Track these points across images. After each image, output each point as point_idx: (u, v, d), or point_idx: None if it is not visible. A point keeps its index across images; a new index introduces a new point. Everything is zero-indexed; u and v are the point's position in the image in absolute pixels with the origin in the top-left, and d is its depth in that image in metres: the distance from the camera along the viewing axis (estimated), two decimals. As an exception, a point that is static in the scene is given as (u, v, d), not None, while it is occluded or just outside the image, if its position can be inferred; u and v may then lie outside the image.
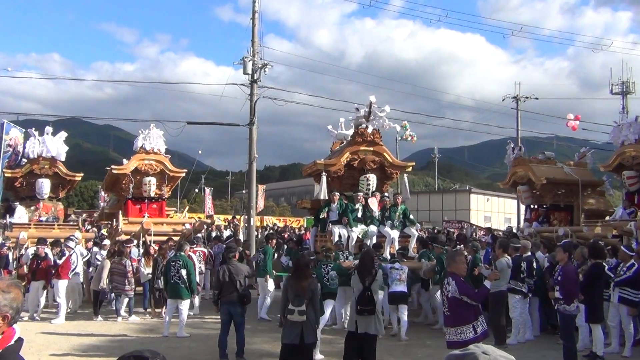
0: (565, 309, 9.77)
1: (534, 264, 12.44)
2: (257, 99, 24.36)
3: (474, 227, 37.75)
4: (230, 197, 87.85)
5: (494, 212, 70.85)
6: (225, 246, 13.90)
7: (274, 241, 16.94)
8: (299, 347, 8.52)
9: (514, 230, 20.34)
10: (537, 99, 41.26)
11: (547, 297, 11.64)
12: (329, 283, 12.45)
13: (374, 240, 14.86)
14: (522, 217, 28.55)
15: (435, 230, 31.51)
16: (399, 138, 41.81)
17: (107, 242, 16.92)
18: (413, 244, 15.39)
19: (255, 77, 24.36)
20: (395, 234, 15.23)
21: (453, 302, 7.52)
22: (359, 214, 15.35)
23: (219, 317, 10.63)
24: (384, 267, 12.62)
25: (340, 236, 14.75)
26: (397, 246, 14.92)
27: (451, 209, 67.38)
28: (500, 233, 24.16)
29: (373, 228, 15.14)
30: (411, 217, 16.08)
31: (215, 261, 17.82)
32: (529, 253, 12.57)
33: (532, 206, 19.66)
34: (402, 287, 12.73)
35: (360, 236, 14.90)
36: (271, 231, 26.41)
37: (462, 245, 13.95)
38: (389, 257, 14.30)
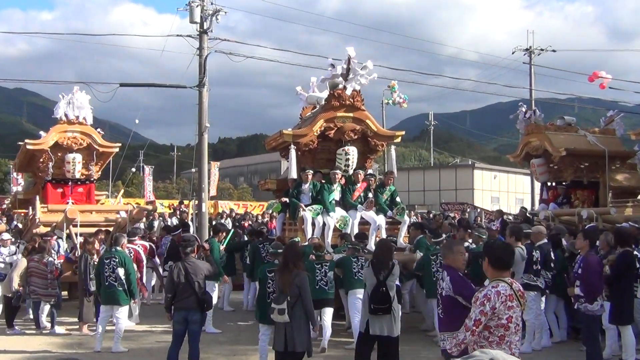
0: (586, 308, 9.93)
1: (551, 254, 12.52)
2: (208, 53, 24.17)
3: (479, 210, 38.11)
4: (177, 178, 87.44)
5: (503, 191, 71.49)
6: (182, 239, 13.73)
7: (223, 234, 16.95)
8: (286, 355, 8.71)
9: (528, 214, 20.48)
10: (554, 51, 41.54)
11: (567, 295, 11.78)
12: (327, 287, 12.45)
13: (356, 229, 14.89)
14: (537, 197, 28.87)
15: (431, 215, 31.73)
16: (386, 102, 41.93)
17: (6, 236, 16.70)
18: (404, 232, 15.48)
19: (205, 27, 24.14)
20: (381, 220, 15.29)
21: (448, 301, 7.57)
22: (337, 197, 15.38)
23: (163, 326, 10.65)
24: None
25: (314, 225, 14.78)
26: (384, 234, 14.99)
27: (451, 189, 67.89)
28: (511, 217, 24.38)
29: (354, 213, 15.19)
30: (398, 199, 16.14)
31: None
32: (545, 240, 12.70)
33: (549, 183, 19.84)
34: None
35: (338, 226, 14.93)
36: (221, 220, 26.33)
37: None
38: (374, 249, 14.36)
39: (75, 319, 14.76)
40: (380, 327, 9.40)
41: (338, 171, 15.57)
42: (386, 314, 9.41)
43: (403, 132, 17.43)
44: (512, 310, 5.72)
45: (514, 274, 11.52)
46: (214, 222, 23.84)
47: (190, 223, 24.26)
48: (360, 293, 12.26)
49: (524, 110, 20.30)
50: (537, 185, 24.29)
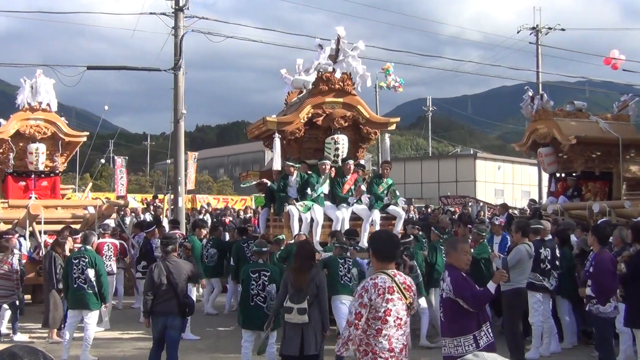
0: (598, 310, 9.95)
1: (557, 252, 12.53)
2: (185, 33, 24.09)
3: (481, 204, 38.18)
4: (150, 170, 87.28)
5: (508, 183, 71.65)
6: (164, 236, 13.65)
7: (204, 231, 16.94)
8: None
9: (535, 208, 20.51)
10: (563, 30, 41.64)
11: (578, 296, 11.82)
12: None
13: (347, 225, 14.89)
14: (545, 190, 28.96)
15: (429, 210, 31.78)
16: (380, 86, 41.91)
17: None
18: (399, 227, 15.50)
19: (181, 4, 24.07)
20: (376, 215, 15.30)
21: (449, 304, 7.56)
22: (326, 190, 15.36)
23: (136, 332, 10.62)
24: (360, 263, 12.71)
25: (301, 220, 14.77)
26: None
27: (451, 180, 67.99)
28: (516, 212, 24.44)
29: (346, 208, 15.19)
30: (397, 193, 16.16)
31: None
32: (549, 236, 12.73)
33: (557, 174, 19.89)
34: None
35: (302, 210, 14.80)
36: (199, 216, 26.30)
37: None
38: (366, 247, 14.36)
39: (39, 325, 14.70)
40: None
41: (327, 161, 15.51)
42: None
43: (398, 119, 17.44)
44: (391, 303, 6.04)
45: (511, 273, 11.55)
46: (191, 218, 23.81)
47: (165, 219, 24.19)
48: (345, 299, 12.26)
49: (530, 94, 20.31)
50: (545, 176, 24.38)
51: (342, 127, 15.85)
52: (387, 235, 7.21)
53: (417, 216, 27.97)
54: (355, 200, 15.32)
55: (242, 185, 18.78)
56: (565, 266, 12.63)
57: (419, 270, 12.59)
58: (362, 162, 16.80)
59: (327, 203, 15.23)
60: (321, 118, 15.74)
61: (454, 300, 7.48)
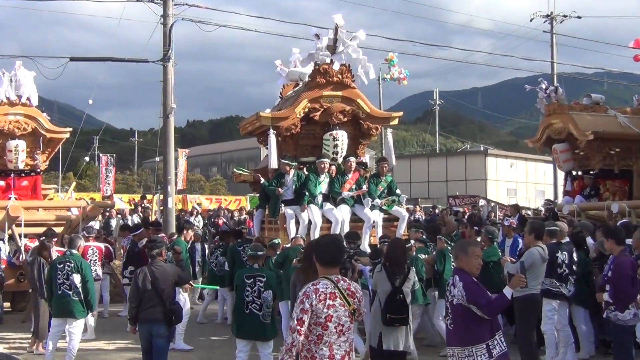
0: (617, 317, 9.93)
1: (574, 256, 12.43)
2: (174, 22, 24.07)
3: (493, 204, 38.12)
4: (138, 168, 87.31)
5: (521, 182, 71.66)
6: (149, 239, 13.61)
7: (190, 232, 16.98)
8: None
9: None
10: (579, 17, 41.60)
11: (595, 302, 11.79)
12: None
13: (347, 227, 14.86)
14: (560, 189, 28.95)
15: (437, 211, 31.73)
16: (383, 77, 41.89)
17: None
18: (402, 230, 15.46)
19: (170, -9, 24.06)
20: (377, 216, 15.28)
21: (459, 311, 7.52)
22: (325, 189, 15.34)
23: (122, 342, 10.61)
24: (362, 269, 12.69)
25: (298, 223, 14.75)
26: (380, 233, 14.98)
27: (459, 179, 67.93)
28: (530, 213, 24.39)
29: (344, 209, 15.17)
30: (398, 191, 16.11)
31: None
32: (567, 239, 12.64)
33: (574, 172, 19.85)
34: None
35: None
36: (190, 218, 26.28)
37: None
38: (369, 251, 14.33)
39: (20, 335, 14.71)
40: (395, 341, 9.44)
41: (326, 159, 15.47)
42: (403, 326, 9.46)
43: (401, 113, 17.37)
44: (332, 309, 6.26)
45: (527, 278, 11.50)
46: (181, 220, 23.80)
47: (161, 222, 24.15)
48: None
49: (544, 86, 20.20)
50: (561, 174, 24.38)
51: (341, 122, 15.81)
52: (330, 240, 7.28)
53: (423, 217, 27.88)
54: (351, 195, 15.30)
55: (235, 170, 18.78)
56: (580, 271, 12.49)
57: (416, 277, 12.46)
58: (364, 160, 16.76)
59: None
60: (319, 113, 15.70)
61: (465, 307, 7.44)
